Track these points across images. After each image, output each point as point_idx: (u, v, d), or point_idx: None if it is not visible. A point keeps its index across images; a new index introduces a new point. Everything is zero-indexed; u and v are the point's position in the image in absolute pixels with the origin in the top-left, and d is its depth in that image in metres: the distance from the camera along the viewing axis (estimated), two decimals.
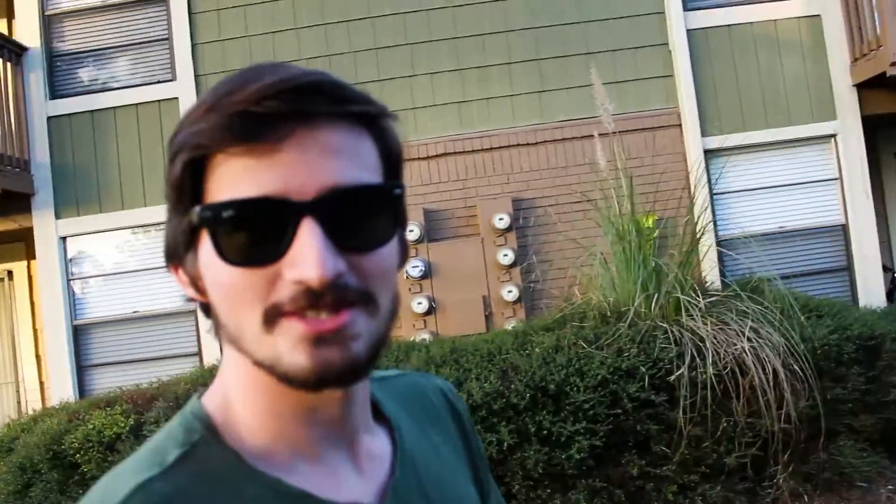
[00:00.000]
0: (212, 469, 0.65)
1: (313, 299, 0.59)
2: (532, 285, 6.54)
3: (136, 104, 6.86)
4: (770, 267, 6.91)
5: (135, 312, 6.70)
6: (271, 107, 0.59)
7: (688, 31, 6.83)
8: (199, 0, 6.94)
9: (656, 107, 6.86)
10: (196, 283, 0.67)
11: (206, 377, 5.18)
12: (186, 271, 0.67)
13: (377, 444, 0.75)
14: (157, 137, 6.77)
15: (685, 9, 6.87)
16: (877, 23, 6.46)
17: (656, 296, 4.62)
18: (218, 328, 0.67)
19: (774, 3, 6.97)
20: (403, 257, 0.71)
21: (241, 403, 0.68)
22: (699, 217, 5.24)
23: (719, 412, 4.34)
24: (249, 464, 0.66)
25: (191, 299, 0.69)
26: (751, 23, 6.91)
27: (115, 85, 7.00)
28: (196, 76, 6.83)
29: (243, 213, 0.60)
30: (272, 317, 0.61)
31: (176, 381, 5.13)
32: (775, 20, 6.92)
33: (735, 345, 4.32)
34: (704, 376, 4.22)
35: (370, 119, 0.65)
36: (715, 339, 4.36)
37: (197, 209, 0.62)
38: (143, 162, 6.78)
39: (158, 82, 6.89)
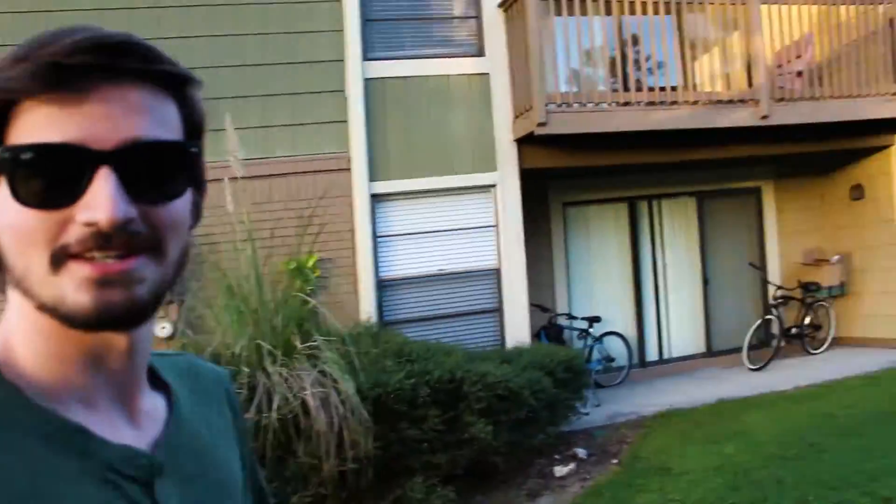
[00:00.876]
0: None
1: (102, 241, 0.62)
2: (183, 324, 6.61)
3: None
4: (429, 307, 7.45)
5: None
6: (81, 60, 0.62)
7: (365, 80, 7.21)
8: None
9: (329, 151, 7.17)
10: None
11: None
12: None
13: (153, 404, 0.78)
14: None
15: (364, 59, 7.25)
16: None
17: (244, 340, 4.83)
18: (3, 283, 0.69)
19: (449, 59, 7.52)
20: (197, 215, 0.75)
21: (24, 346, 0.69)
22: (312, 260, 5.53)
23: (286, 455, 4.61)
24: (28, 397, 0.67)
25: None
26: (426, 76, 7.41)
27: None
28: None
29: (42, 156, 0.63)
30: (59, 258, 0.63)
31: None
32: (448, 76, 7.46)
33: (305, 390, 4.61)
34: (267, 421, 4.48)
35: (175, 84, 0.69)
36: (289, 384, 4.64)
37: None
38: None
39: None
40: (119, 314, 0.65)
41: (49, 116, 0.63)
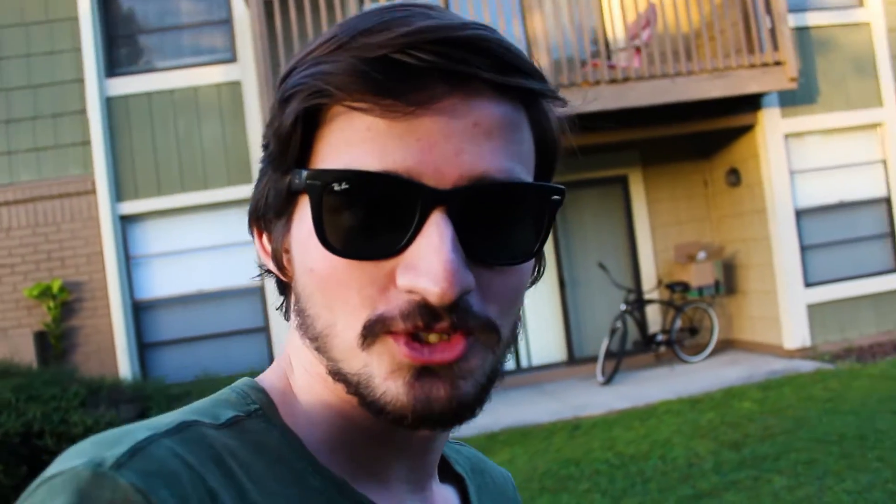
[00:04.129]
0: (268, 445, 0.53)
1: (428, 318, 0.47)
2: None
3: None
4: (193, 327, 7.26)
5: None
6: (421, 59, 0.47)
7: (107, 98, 7.04)
8: None
9: (73, 173, 7.10)
10: (280, 256, 0.55)
11: None
12: (272, 239, 0.55)
13: (443, 495, 0.65)
14: None
15: (107, 75, 7.07)
16: None
17: None
18: (289, 310, 0.58)
19: (196, 69, 7.16)
20: (536, 279, 0.59)
21: (306, 395, 0.56)
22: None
23: None
24: (312, 454, 0.54)
25: (266, 272, 0.58)
26: (172, 90, 7.11)
27: None
28: None
29: (360, 189, 0.48)
30: (374, 331, 0.48)
31: None
32: (196, 87, 7.12)
33: None
34: None
35: (532, 98, 0.52)
36: None
37: (303, 173, 0.50)
38: None
39: None
40: (439, 414, 0.49)
41: (370, 131, 0.48)
